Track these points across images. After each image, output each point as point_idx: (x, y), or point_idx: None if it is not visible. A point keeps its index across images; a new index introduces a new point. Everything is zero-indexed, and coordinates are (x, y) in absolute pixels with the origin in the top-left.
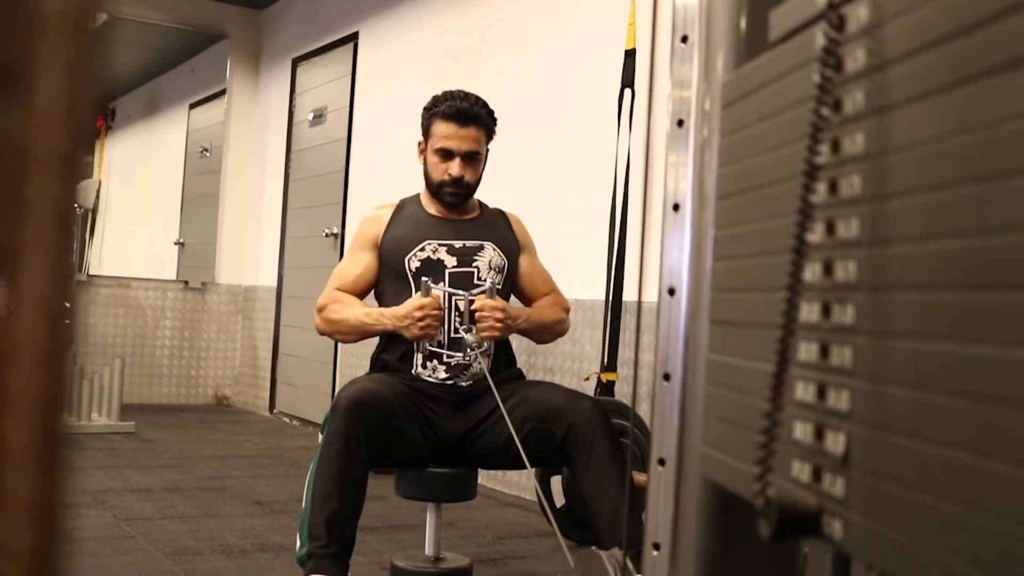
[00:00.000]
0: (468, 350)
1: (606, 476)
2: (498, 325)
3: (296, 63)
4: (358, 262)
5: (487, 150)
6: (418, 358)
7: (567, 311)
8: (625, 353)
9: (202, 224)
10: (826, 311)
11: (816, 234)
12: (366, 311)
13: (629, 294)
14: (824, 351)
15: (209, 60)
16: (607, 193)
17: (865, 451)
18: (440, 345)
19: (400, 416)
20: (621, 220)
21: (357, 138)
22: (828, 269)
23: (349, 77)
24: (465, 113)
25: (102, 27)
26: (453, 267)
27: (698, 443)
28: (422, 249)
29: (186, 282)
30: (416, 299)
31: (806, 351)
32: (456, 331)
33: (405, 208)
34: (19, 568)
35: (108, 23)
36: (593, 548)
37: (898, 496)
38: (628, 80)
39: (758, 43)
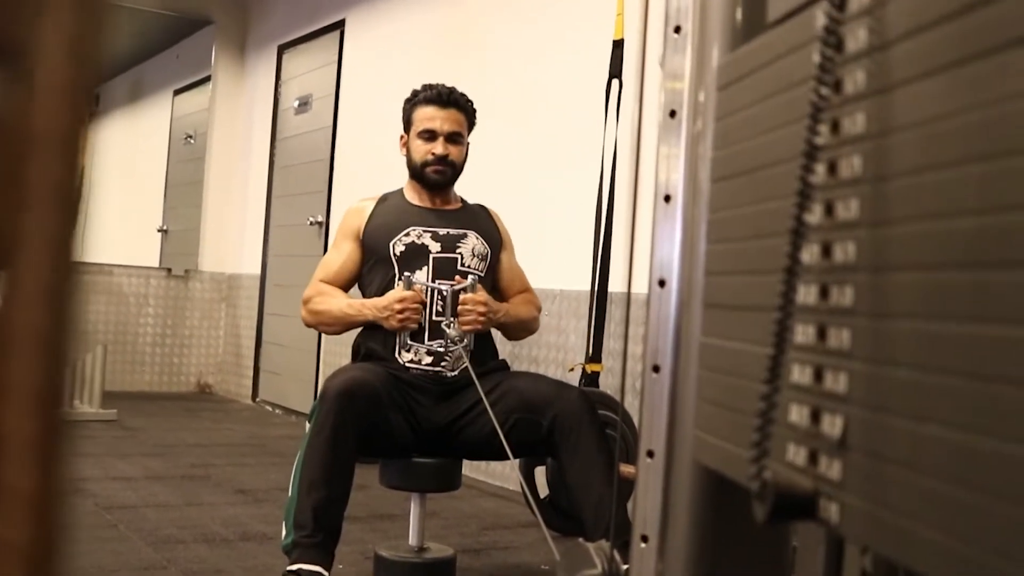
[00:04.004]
0: (449, 343)
1: (592, 467)
2: (480, 319)
3: (282, 50)
4: (341, 253)
5: (467, 142)
6: (400, 344)
7: (539, 310)
8: (610, 344)
9: (186, 211)
10: (824, 293)
11: (815, 215)
12: (348, 302)
13: (614, 285)
14: (821, 333)
15: (194, 46)
16: (593, 183)
17: (862, 433)
18: (419, 334)
19: (387, 406)
20: (607, 210)
21: (342, 126)
22: (827, 251)
23: (335, 65)
24: (447, 97)
25: (104, 6)
26: (437, 252)
27: (687, 435)
28: (407, 235)
29: (169, 269)
30: (397, 291)
31: (803, 333)
32: (439, 320)
33: (388, 200)
34: (18, 559)
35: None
36: (579, 540)
37: (896, 478)
38: (616, 70)
39: (753, 33)
